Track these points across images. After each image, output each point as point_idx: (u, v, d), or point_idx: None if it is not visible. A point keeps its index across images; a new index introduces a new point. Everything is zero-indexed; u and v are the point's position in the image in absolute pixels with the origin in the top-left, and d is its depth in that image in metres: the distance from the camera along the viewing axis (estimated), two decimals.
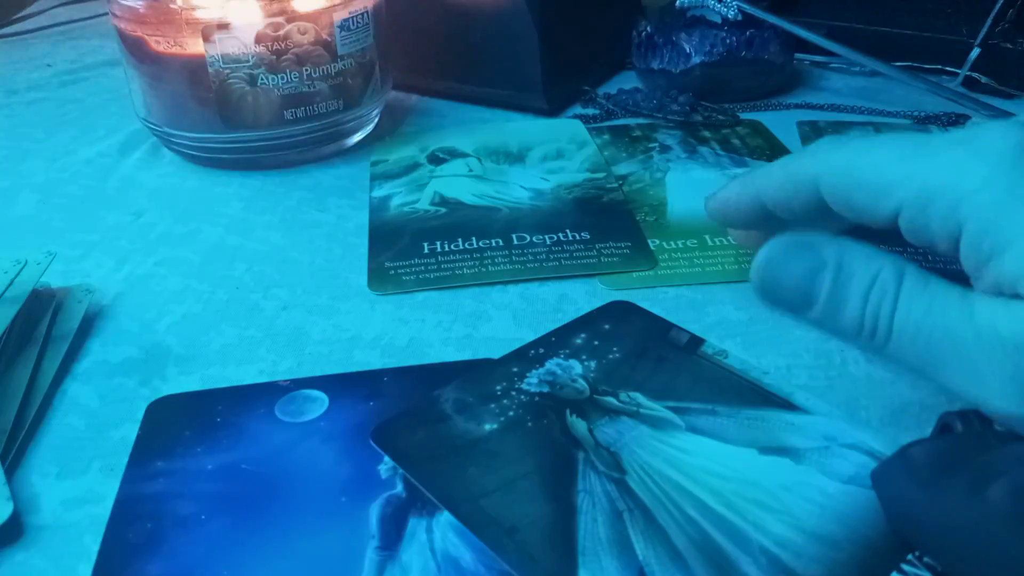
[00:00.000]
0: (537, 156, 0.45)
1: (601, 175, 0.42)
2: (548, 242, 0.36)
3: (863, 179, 0.22)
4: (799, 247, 0.23)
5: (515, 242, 0.36)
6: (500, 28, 0.50)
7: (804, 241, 0.23)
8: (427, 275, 0.34)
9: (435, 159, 0.45)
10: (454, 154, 0.46)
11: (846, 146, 0.23)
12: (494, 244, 0.36)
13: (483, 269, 0.34)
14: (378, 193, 0.42)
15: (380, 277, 0.34)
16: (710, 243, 0.36)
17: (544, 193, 0.41)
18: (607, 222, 0.38)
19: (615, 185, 0.41)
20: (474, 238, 0.37)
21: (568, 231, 0.37)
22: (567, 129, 0.48)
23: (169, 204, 0.42)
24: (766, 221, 0.26)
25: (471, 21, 0.51)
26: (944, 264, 0.24)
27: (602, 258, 0.35)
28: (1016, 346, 0.19)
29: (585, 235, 0.36)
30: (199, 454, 0.25)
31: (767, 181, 0.25)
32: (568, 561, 0.21)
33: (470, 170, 0.44)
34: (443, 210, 0.40)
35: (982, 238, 0.20)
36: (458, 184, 0.42)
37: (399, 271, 0.34)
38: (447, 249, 0.36)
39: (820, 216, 0.24)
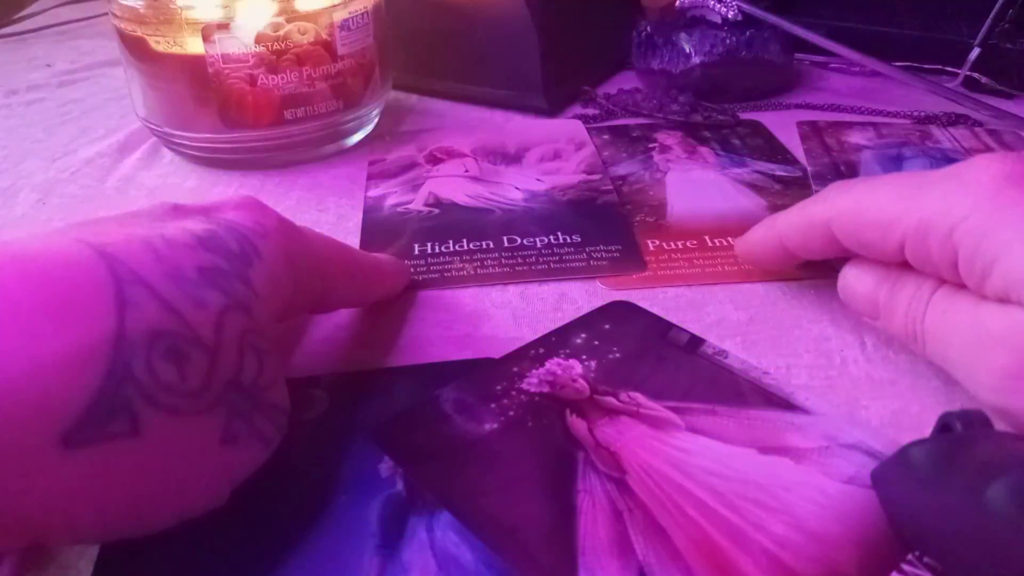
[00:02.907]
0: (534, 157, 0.45)
1: (597, 177, 0.42)
2: (539, 244, 0.36)
3: (869, 219, 0.25)
4: (869, 264, 0.27)
5: (506, 244, 0.36)
6: (500, 28, 0.50)
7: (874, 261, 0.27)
8: (416, 277, 0.34)
9: (433, 159, 0.45)
10: (452, 154, 0.46)
11: (853, 189, 0.27)
12: (485, 246, 0.36)
13: (473, 271, 0.34)
14: (373, 193, 0.42)
15: None
16: (710, 244, 0.36)
17: (538, 195, 0.41)
18: (600, 224, 0.37)
19: (610, 187, 0.41)
20: (465, 240, 0.36)
21: (560, 233, 0.37)
22: (566, 130, 0.48)
23: None
24: (790, 260, 0.31)
25: (471, 21, 0.51)
26: None
27: (592, 261, 0.35)
28: (1001, 343, 0.22)
29: (576, 238, 0.36)
30: None
31: (787, 227, 0.29)
32: (568, 561, 0.21)
33: (466, 170, 0.43)
34: (436, 211, 0.39)
35: (974, 259, 0.23)
36: (453, 184, 0.42)
37: None
38: (438, 251, 0.36)
39: (837, 252, 0.28)
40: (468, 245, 0.36)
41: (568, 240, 0.36)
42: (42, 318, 0.16)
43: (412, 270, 0.34)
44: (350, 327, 0.31)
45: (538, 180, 0.42)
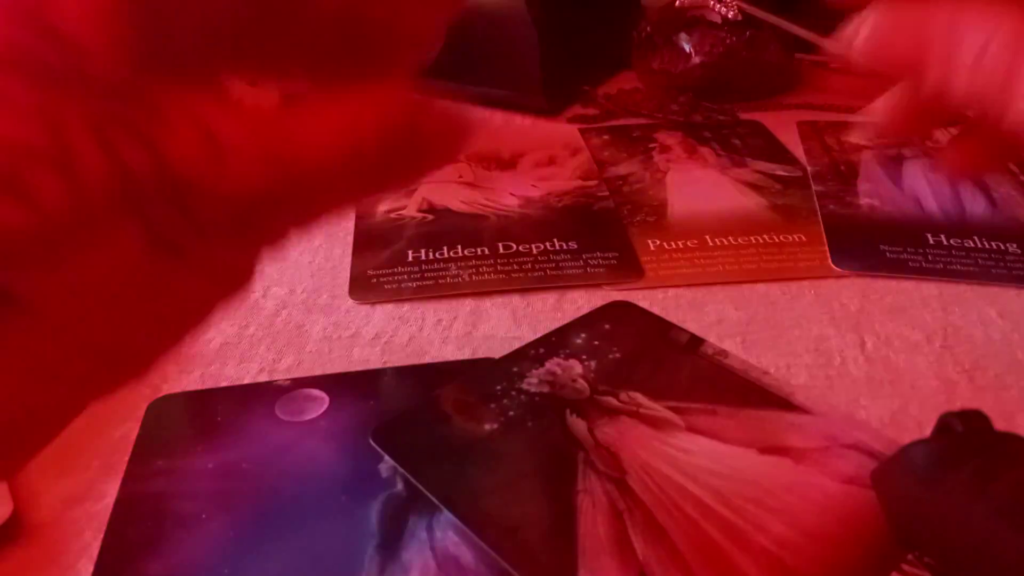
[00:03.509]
0: (529, 163, 0.44)
1: (593, 183, 0.42)
2: (535, 251, 0.35)
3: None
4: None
5: (501, 251, 0.36)
6: (500, 28, 0.50)
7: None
8: (409, 284, 0.33)
9: None
10: None
11: None
12: (480, 253, 0.35)
13: (468, 279, 0.34)
14: None
15: (362, 286, 0.34)
16: (710, 243, 0.36)
17: (534, 200, 0.40)
18: (596, 231, 0.37)
19: (606, 193, 0.40)
20: (460, 246, 0.36)
21: (556, 240, 0.36)
22: (561, 135, 0.48)
23: None
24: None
25: (471, 21, 0.51)
26: None
27: (589, 268, 0.34)
28: None
29: (573, 245, 0.36)
30: (199, 453, 0.25)
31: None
32: (568, 561, 0.21)
33: (460, 176, 0.43)
34: (430, 217, 0.39)
35: None
36: (447, 190, 0.41)
37: (381, 279, 0.34)
38: (432, 257, 0.35)
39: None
40: (463, 251, 0.36)
41: (565, 247, 0.36)
42: None
43: (406, 277, 0.34)
44: (350, 325, 0.31)
45: (533, 186, 0.42)
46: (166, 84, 0.14)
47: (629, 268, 0.34)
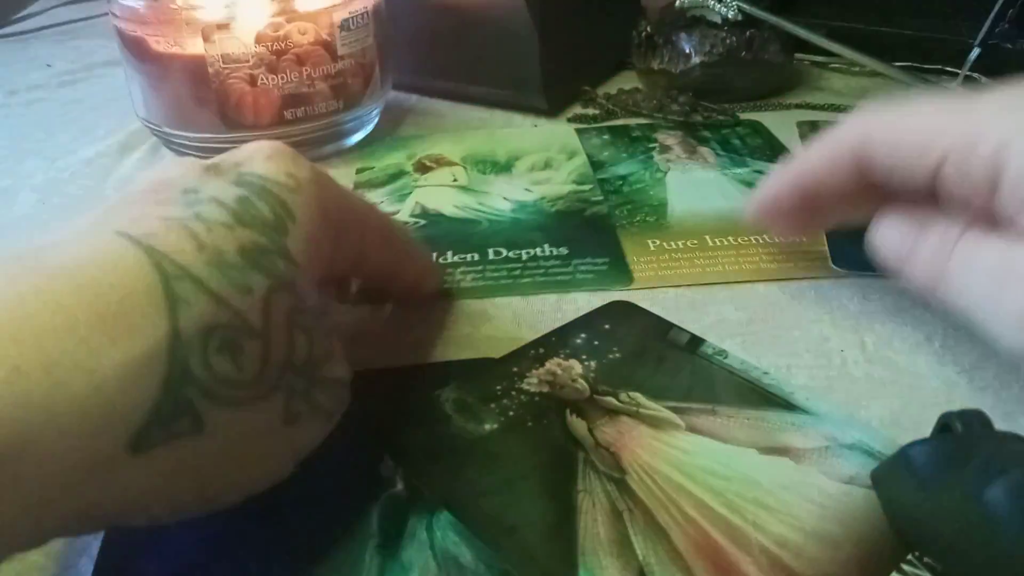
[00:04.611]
0: (524, 166, 0.44)
1: (587, 187, 0.41)
2: (524, 257, 0.35)
3: (910, 129, 0.24)
4: (901, 212, 0.26)
5: (491, 257, 0.35)
6: (500, 28, 0.50)
7: (906, 208, 0.26)
8: None
9: (422, 167, 0.44)
10: (441, 162, 0.45)
11: (889, 108, 0.25)
12: (469, 259, 0.35)
13: (455, 285, 0.33)
14: None
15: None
16: (710, 243, 0.36)
17: (526, 205, 0.40)
18: (587, 237, 0.37)
19: (600, 197, 0.40)
20: (450, 252, 0.36)
21: (546, 246, 0.36)
22: (559, 138, 0.48)
23: None
24: (807, 208, 0.28)
25: (471, 21, 0.51)
26: None
27: (577, 275, 0.34)
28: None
29: (563, 250, 0.35)
30: None
31: (809, 158, 0.27)
32: (568, 561, 0.21)
33: (455, 179, 0.43)
34: (423, 222, 0.39)
35: (1022, 178, 0.21)
36: (440, 195, 0.41)
37: None
38: None
39: (852, 193, 0.26)
40: (453, 258, 0.35)
41: (554, 253, 0.35)
42: (98, 331, 0.16)
43: None
44: (349, 327, 0.31)
45: (527, 190, 0.41)
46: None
47: (619, 274, 0.34)
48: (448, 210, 0.40)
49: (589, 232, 0.37)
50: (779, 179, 0.29)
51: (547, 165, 0.44)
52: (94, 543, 0.22)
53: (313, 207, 0.21)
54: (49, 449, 0.15)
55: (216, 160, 0.22)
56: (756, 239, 0.36)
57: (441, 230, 0.38)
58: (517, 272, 0.34)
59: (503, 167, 0.44)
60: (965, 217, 0.24)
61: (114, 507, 0.17)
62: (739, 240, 0.36)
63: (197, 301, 0.17)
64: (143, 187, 0.21)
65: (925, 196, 0.24)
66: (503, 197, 0.41)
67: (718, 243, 0.36)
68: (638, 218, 0.38)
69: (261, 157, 0.22)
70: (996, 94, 0.23)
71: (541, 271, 0.34)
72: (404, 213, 0.40)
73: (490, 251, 0.36)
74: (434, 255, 0.35)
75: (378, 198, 0.41)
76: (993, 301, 0.22)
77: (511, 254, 0.35)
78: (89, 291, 0.16)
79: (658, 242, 0.36)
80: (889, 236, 0.26)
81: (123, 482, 0.17)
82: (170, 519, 0.19)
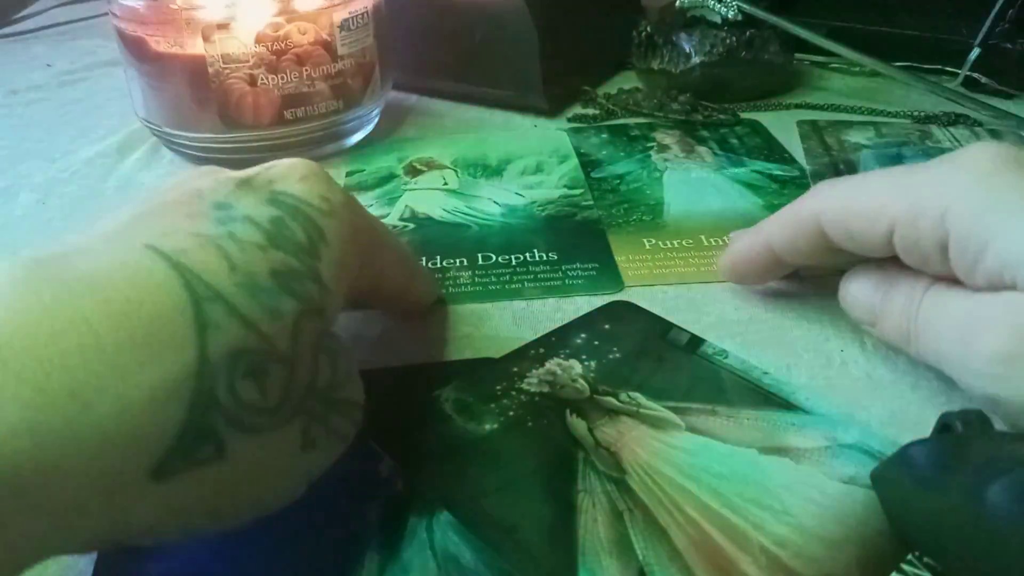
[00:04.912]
0: (516, 170, 0.44)
1: (578, 192, 0.41)
2: (514, 262, 0.35)
3: (858, 206, 0.25)
4: (867, 271, 0.27)
5: (480, 262, 0.35)
6: (500, 28, 0.50)
7: (872, 267, 0.27)
8: None
9: (412, 170, 0.44)
10: (432, 165, 0.45)
11: (842, 182, 0.27)
12: (458, 264, 0.35)
13: (443, 290, 0.33)
14: None
15: None
16: (706, 243, 0.36)
17: (517, 209, 0.40)
18: (577, 242, 0.36)
19: (591, 202, 0.40)
20: (439, 257, 0.35)
21: (536, 251, 0.36)
22: (551, 142, 0.47)
23: None
24: (775, 269, 0.30)
25: (471, 21, 0.51)
26: None
27: (567, 280, 0.33)
28: (992, 326, 0.21)
29: (553, 255, 0.35)
30: None
31: (775, 227, 0.29)
32: (568, 561, 0.21)
33: (445, 183, 0.42)
34: (412, 226, 0.38)
35: (967, 241, 0.22)
36: (430, 198, 0.41)
37: None
38: None
39: (823, 255, 0.28)
40: (441, 263, 0.35)
41: (544, 258, 0.35)
42: (126, 353, 0.16)
43: None
44: (350, 325, 0.31)
45: (518, 194, 0.41)
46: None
47: (608, 280, 0.34)
48: (438, 214, 0.39)
49: (579, 237, 0.37)
50: (751, 241, 0.30)
51: (538, 169, 0.44)
52: None
53: (345, 231, 0.21)
54: (71, 473, 0.15)
55: (248, 174, 0.22)
56: None
57: (431, 234, 0.38)
58: (507, 277, 0.34)
59: (494, 171, 0.44)
60: (929, 273, 0.25)
61: (128, 531, 0.17)
62: None
63: (227, 325, 0.17)
64: (172, 197, 0.20)
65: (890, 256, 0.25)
66: (494, 201, 0.41)
67: (714, 242, 0.36)
68: (634, 217, 0.38)
69: (296, 177, 0.22)
70: (938, 162, 0.24)
71: (531, 276, 0.34)
72: (393, 216, 0.39)
73: (480, 256, 0.36)
74: (423, 259, 0.35)
75: (368, 201, 0.41)
76: (961, 352, 0.23)
77: (501, 259, 0.35)
78: (117, 308, 0.16)
79: (653, 241, 0.36)
80: (858, 295, 0.27)
81: (142, 508, 0.16)
82: (180, 540, 0.19)
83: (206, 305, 0.17)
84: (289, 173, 0.22)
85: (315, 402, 0.19)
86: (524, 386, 0.27)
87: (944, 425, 0.21)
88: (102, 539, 0.17)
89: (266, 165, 0.22)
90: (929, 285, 0.24)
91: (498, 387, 0.27)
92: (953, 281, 0.24)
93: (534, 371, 0.28)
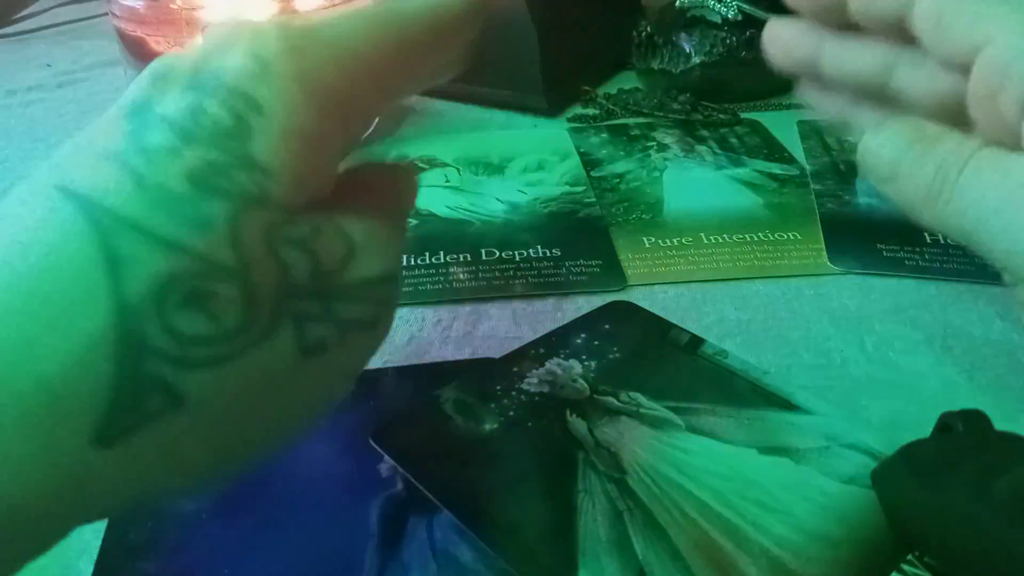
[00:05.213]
0: (518, 167, 0.44)
1: (580, 189, 0.41)
2: (517, 259, 0.35)
3: None
4: (901, 128, 0.24)
5: (483, 257, 0.35)
6: (500, 28, 0.50)
7: (907, 124, 0.24)
8: None
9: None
10: (433, 163, 0.44)
11: None
12: (461, 259, 0.35)
13: (446, 286, 0.33)
14: None
15: None
16: (705, 241, 0.36)
17: (520, 206, 0.40)
18: (580, 239, 0.36)
19: (593, 199, 0.40)
20: (442, 252, 0.35)
21: (539, 247, 0.36)
22: (552, 140, 0.47)
23: None
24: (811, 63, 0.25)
25: None
26: None
27: (571, 276, 0.34)
28: None
29: (556, 252, 0.35)
30: None
31: None
32: (568, 561, 0.21)
33: (447, 180, 0.42)
34: (415, 221, 0.38)
35: None
36: (433, 195, 0.41)
37: None
38: (412, 264, 0.35)
39: (886, 32, 0.23)
40: (445, 258, 0.35)
41: (548, 254, 0.35)
42: (35, 317, 0.14)
43: None
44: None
45: (520, 191, 0.41)
46: (320, 208, 0.17)
47: (611, 276, 0.34)
48: (440, 210, 0.40)
49: (582, 234, 0.37)
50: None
51: (540, 167, 0.44)
52: (94, 543, 0.22)
53: (292, 89, 0.17)
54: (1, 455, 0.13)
55: (170, 64, 0.18)
56: (750, 236, 0.36)
57: (433, 230, 0.38)
58: (510, 273, 0.34)
59: (496, 168, 0.44)
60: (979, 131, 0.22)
61: (107, 500, 0.15)
62: (734, 238, 0.36)
63: (144, 255, 0.15)
64: (112, 109, 0.17)
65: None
66: (496, 198, 0.41)
67: (713, 240, 0.36)
68: (633, 216, 0.38)
69: (220, 46, 0.18)
70: None
71: (534, 272, 0.34)
72: None
73: (483, 251, 0.36)
74: (426, 255, 0.35)
75: None
76: (1014, 220, 0.20)
77: (504, 255, 0.35)
78: (22, 268, 0.14)
79: (653, 239, 0.36)
80: (887, 147, 0.24)
81: (105, 476, 0.14)
82: (213, 484, 0.17)
83: (114, 238, 0.15)
84: (212, 46, 0.18)
85: (300, 300, 0.16)
86: (524, 386, 0.27)
87: (944, 425, 0.21)
88: (84, 511, 0.15)
89: (198, 41, 0.18)
90: (981, 146, 0.22)
91: (498, 387, 0.27)
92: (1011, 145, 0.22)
93: (534, 371, 0.28)
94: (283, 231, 0.16)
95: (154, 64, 0.18)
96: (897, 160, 0.24)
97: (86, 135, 0.17)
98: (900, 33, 0.24)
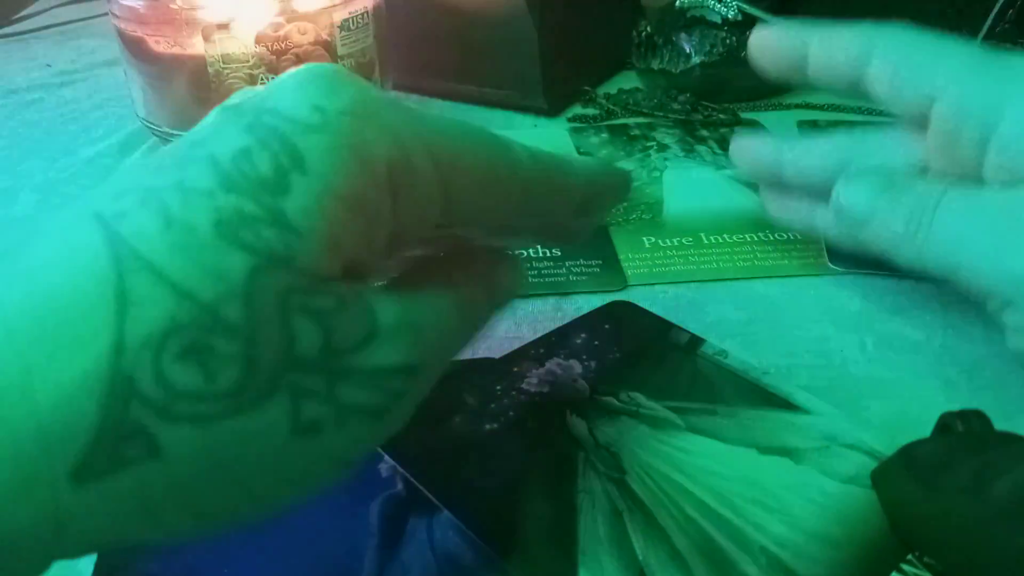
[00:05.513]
0: None
1: None
2: None
3: (924, 47, 0.26)
4: (870, 174, 0.27)
5: None
6: (500, 28, 0.50)
7: (875, 171, 0.27)
8: None
9: None
10: None
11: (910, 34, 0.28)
12: None
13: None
14: None
15: None
16: (705, 241, 0.36)
17: None
18: None
19: None
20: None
21: (539, 247, 0.36)
22: (552, 140, 0.47)
23: None
24: (797, 67, 0.31)
25: (471, 21, 0.51)
26: None
27: (571, 276, 0.34)
28: None
29: (556, 252, 0.35)
30: None
31: (823, 34, 0.29)
32: (568, 561, 0.21)
33: None
34: None
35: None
36: None
37: None
38: None
39: (848, 85, 0.28)
40: None
41: (548, 254, 0.35)
42: (37, 346, 0.14)
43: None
44: None
45: None
46: (360, 280, 0.17)
47: (612, 276, 0.34)
48: None
49: None
50: (794, 31, 0.32)
51: None
52: None
53: (343, 149, 0.16)
54: None
55: (248, 93, 0.17)
56: (750, 236, 0.36)
57: None
58: None
59: None
60: (947, 170, 0.25)
61: (83, 538, 0.15)
62: (734, 237, 0.36)
63: (152, 299, 0.14)
64: (184, 135, 0.17)
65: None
66: None
67: (713, 240, 0.36)
68: (633, 216, 0.38)
69: (291, 85, 0.17)
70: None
71: (535, 272, 0.34)
72: None
73: None
74: None
75: None
76: (996, 249, 0.22)
77: None
78: (39, 297, 0.14)
79: (653, 239, 0.36)
80: (860, 193, 0.27)
81: (79, 514, 0.14)
82: (190, 537, 0.16)
83: (130, 278, 0.14)
84: (286, 82, 0.17)
85: (303, 375, 0.15)
86: (524, 386, 0.27)
87: (944, 425, 0.21)
88: (69, 544, 0.15)
89: (281, 75, 0.18)
90: (951, 185, 0.24)
91: (498, 387, 0.27)
92: (974, 182, 0.23)
93: (534, 371, 0.28)
94: (301, 297, 0.15)
95: (232, 96, 0.18)
96: (871, 206, 0.26)
97: (156, 157, 0.17)
98: (856, 94, 0.27)
